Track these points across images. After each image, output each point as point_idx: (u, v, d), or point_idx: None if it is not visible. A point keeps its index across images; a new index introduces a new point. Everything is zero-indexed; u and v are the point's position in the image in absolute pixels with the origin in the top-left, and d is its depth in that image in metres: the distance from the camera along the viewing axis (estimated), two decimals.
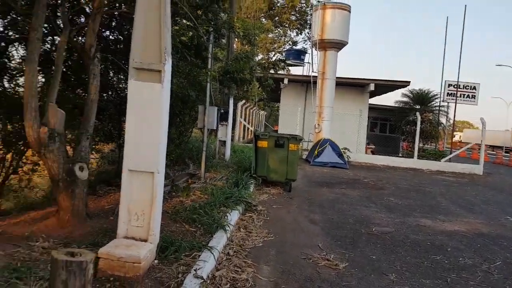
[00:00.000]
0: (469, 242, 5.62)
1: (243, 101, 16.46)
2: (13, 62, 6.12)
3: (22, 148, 6.44)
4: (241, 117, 17.14)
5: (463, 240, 5.67)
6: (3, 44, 5.68)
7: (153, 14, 3.64)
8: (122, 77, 7.02)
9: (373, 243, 5.22)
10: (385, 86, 17.05)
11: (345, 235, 5.54)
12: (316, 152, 14.21)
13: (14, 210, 6.60)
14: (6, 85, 6.21)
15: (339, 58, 15.20)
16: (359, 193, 8.94)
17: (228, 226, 4.87)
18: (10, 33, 5.79)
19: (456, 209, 8.07)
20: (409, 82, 16.62)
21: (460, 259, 4.83)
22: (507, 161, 24.49)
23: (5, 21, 5.61)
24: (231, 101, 10.33)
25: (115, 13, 6.11)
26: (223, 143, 10.34)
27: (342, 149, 14.69)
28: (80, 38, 5.91)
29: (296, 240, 5.09)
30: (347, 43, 15.43)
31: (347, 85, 17.31)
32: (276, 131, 20.44)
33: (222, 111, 10.34)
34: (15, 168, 6.67)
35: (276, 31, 30.50)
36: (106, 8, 5.43)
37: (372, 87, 16.31)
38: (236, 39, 15.70)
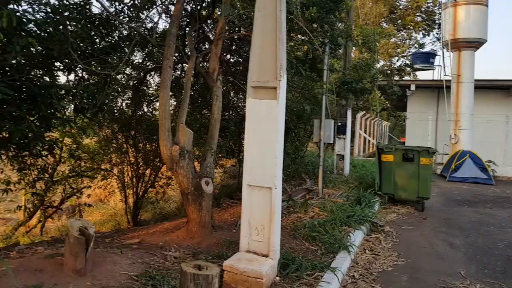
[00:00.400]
0: None
1: (363, 112, 15.71)
2: (150, 89, 7.06)
3: (158, 164, 7.31)
4: (360, 129, 16.40)
5: None
6: (142, 74, 6.62)
7: (269, 34, 3.75)
8: (241, 96, 7.45)
9: None
10: None
11: (493, 262, 4.68)
12: (453, 166, 12.58)
13: (151, 220, 7.49)
14: (145, 109, 7.19)
15: (477, 58, 13.34)
16: (509, 214, 7.50)
17: (352, 247, 4.58)
18: (148, 63, 6.72)
19: None
20: None
21: None
22: None
23: (143, 53, 6.53)
24: (349, 113, 9.92)
25: (235, 36, 6.54)
26: (341, 157, 9.95)
27: (485, 162, 12.69)
28: (204, 63, 6.50)
29: (432, 266, 4.49)
30: (486, 41, 13.45)
31: (488, 88, 14.99)
32: (403, 143, 18.89)
33: (340, 124, 10.04)
34: (153, 183, 7.59)
35: (399, 35, 28.56)
36: (227, 33, 5.85)
37: None
38: (354, 48, 15.24)
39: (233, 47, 7.26)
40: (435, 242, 5.49)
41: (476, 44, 13.34)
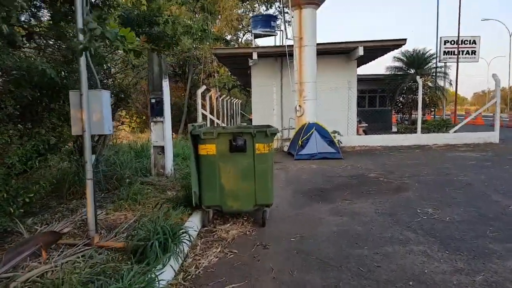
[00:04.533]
0: None
1: (203, 87, 12.65)
2: None
3: None
4: (204, 108, 13.40)
5: None
6: None
7: None
8: None
9: None
10: (376, 49, 13.46)
11: None
12: (300, 142, 10.63)
13: None
14: None
15: (318, 20, 11.48)
16: (375, 208, 5.39)
17: None
18: None
19: None
20: (405, 40, 13.04)
21: None
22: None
23: None
24: (165, 83, 6.54)
25: None
26: (161, 149, 6.60)
27: (331, 133, 11.16)
28: None
29: None
30: None
31: (329, 54, 13.66)
32: (251, 120, 16.70)
33: (154, 100, 6.60)
34: None
35: (242, 6, 26.33)
36: None
37: (360, 51, 12.70)
38: None
39: None
40: None
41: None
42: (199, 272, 3.32)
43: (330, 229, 4.49)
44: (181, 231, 3.52)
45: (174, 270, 3.22)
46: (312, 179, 7.60)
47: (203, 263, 3.47)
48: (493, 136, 13.25)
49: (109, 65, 5.69)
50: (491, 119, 25.40)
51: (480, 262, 3.44)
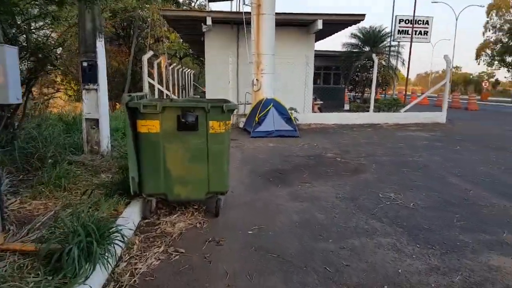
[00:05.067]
0: None
1: (150, 53, 11.42)
2: None
3: None
4: (149, 76, 12.21)
5: None
6: None
7: None
8: None
9: None
10: (335, 24, 13.00)
11: None
12: (256, 118, 10.02)
13: None
14: None
15: None
16: (336, 191, 5.00)
17: None
18: None
19: (501, 201, 4.52)
20: (364, 15, 12.70)
21: None
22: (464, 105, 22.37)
23: None
24: (100, 45, 5.47)
25: None
26: (95, 123, 5.61)
27: (288, 109, 10.68)
28: None
29: None
30: None
31: (287, 25, 12.98)
32: (205, 93, 15.70)
33: (86, 64, 5.55)
34: None
35: None
36: None
37: (319, 25, 12.17)
38: None
39: None
40: None
41: None
42: (135, 281, 2.65)
43: (290, 218, 4.00)
44: (111, 229, 2.79)
45: (102, 281, 2.52)
46: (269, 159, 7.09)
47: (141, 268, 2.80)
48: (441, 117, 13.64)
49: (25, 16, 4.52)
50: (435, 99, 26.64)
51: (454, 257, 3.14)
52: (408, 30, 17.88)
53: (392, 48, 17.99)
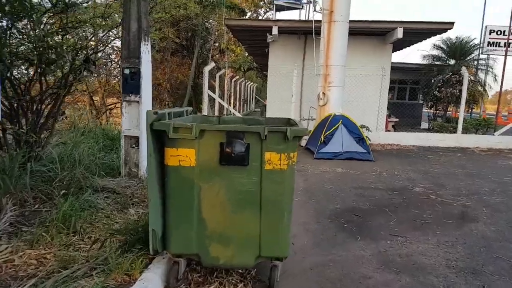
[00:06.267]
0: None
1: (212, 64, 10.63)
2: None
3: None
4: (210, 88, 11.46)
5: None
6: None
7: None
8: None
9: None
10: (417, 32, 11.16)
11: None
12: (322, 137, 8.60)
13: None
14: None
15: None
16: (445, 254, 3.39)
17: None
18: None
19: None
20: (453, 23, 10.71)
21: None
22: None
23: None
24: (146, 48, 4.55)
25: None
26: (135, 141, 4.69)
27: (359, 127, 9.08)
28: None
29: None
30: None
31: (361, 34, 11.44)
32: (266, 106, 14.65)
33: (127, 71, 4.68)
34: None
35: None
36: None
37: (399, 33, 10.45)
38: None
39: None
40: None
41: None
42: None
43: None
44: None
45: None
46: (340, 191, 5.63)
47: None
48: None
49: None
50: None
51: None
52: (499, 42, 15.26)
53: (481, 62, 15.41)
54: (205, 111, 11.40)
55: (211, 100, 13.46)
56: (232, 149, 2.53)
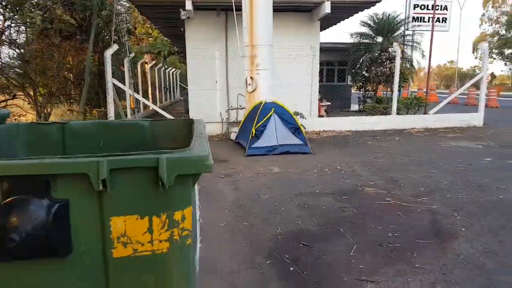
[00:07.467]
0: None
1: (114, 46, 8.57)
2: None
3: None
4: (115, 77, 9.39)
5: None
6: None
7: None
8: None
9: None
10: (344, 8, 10.27)
11: None
12: (254, 130, 7.25)
13: None
14: None
15: None
16: None
17: None
18: None
19: None
20: None
21: None
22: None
23: None
24: None
25: None
26: None
27: (294, 115, 7.91)
28: None
29: None
30: None
31: (287, 10, 10.23)
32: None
33: None
34: None
35: None
36: None
37: (327, 8, 9.45)
38: None
39: None
40: None
41: None
42: None
43: None
44: None
45: None
46: (279, 202, 4.33)
47: None
48: (477, 119, 11.03)
49: None
50: (444, 96, 24.03)
51: None
52: (424, 17, 15.26)
53: (408, 38, 15.35)
54: (110, 105, 9.32)
55: (123, 92, 11.32)
56: (14, 222, 0.96)
